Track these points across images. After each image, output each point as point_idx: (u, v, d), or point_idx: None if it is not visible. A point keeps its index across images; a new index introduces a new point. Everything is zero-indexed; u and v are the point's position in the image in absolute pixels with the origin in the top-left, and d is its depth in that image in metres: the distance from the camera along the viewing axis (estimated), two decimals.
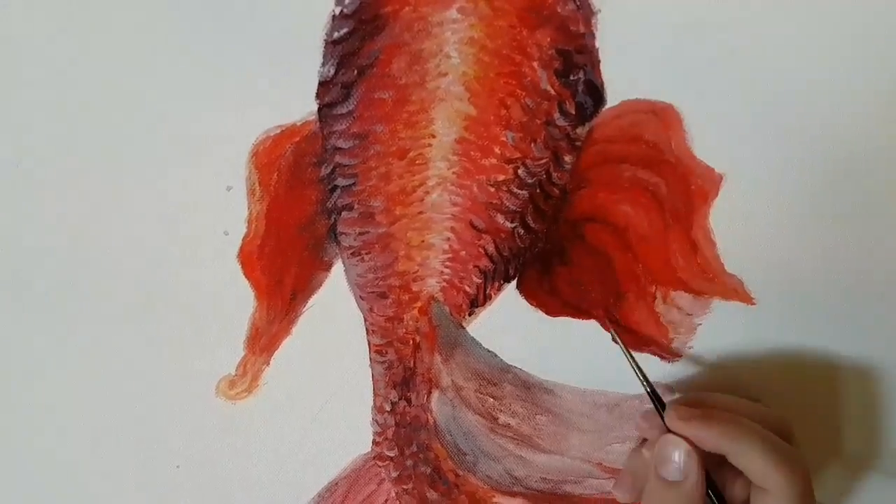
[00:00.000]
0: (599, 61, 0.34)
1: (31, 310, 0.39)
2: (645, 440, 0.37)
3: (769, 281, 0.37)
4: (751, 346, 0.39)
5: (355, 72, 0.35)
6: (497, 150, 0.36)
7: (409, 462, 0.44)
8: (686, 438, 0.34)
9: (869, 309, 0.38)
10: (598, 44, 0.34)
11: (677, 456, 0.34)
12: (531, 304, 0.39)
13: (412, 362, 0.41)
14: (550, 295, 0.39)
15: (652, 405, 0.36)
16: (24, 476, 0.43)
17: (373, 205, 0.38)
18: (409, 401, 0.42)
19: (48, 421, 0.42)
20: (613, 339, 0.38)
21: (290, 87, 0.35)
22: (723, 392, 0.38)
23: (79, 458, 0.43)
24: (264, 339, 0.40)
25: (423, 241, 0.38)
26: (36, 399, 0.41)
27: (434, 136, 0.36)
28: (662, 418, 0.35)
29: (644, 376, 0.37)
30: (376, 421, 0.43)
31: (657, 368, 0.40)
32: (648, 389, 0.36)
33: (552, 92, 0.35)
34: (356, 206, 0.38)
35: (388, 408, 0.42)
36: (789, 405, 0.40)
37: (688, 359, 0.40)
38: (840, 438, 0.41)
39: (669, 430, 0.35)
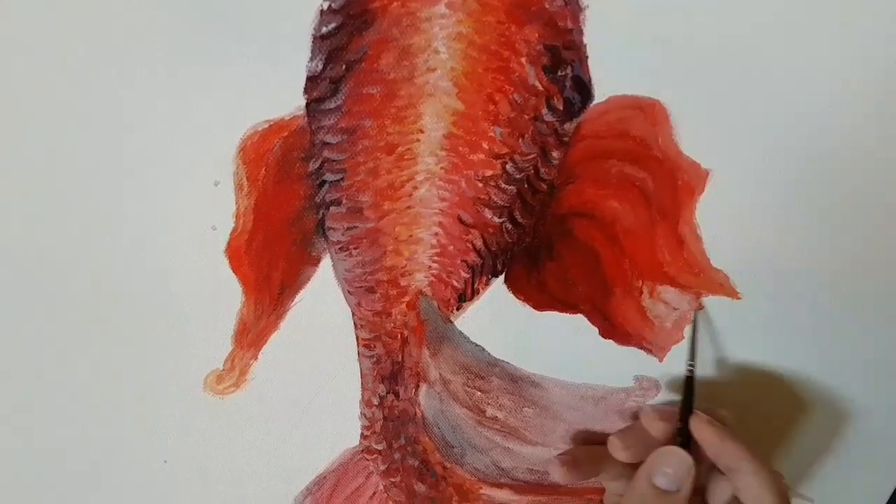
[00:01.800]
0: (587, 57, 0.34)
1: (17, 305, 0.39)
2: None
3: (755, 276, 0.38)
4: (736, 341, 0.40)
5: (343, 67, 0.35)
6: (485, 146, 0.36)
7: (397, 455, 0.44)
8: (692, 449, 0.36)
9: (854, 303, 0.39)
10: (585, 40, 0.34)
11: (677, 467, 0.36)
12: (519, 299, 0.40)
13: (400, 356, 0.41)
14: (538, 289, 0.39)
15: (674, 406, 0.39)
16: (11, 472, 0.43)
17: (361, 200, 0.38)
18: (397, 395, 0.42)
19: (35, 416, 0.41)
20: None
21: (277, 82, 0.35)
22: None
23: (66, 454, 0.42)
24: (252, 333, 0.40)
25: (411, 236, 0.38)
26: (23, 395, 0.41)
27: (422, 132, 0.36)
28: (684, 421, 0.37)
29: (691, 369, 0.39)
30: (364, 415, 0.43)
31: (644, 363, 0.40)
32: (685, 393, 0.38)
33: (540, 87, 0.35)
34: (344, 201, 0.38)
35: (376, 402, 0.42)
36: (774, 399, 0.41)
37: (673, 353, 0.40)
38: (828, 431, 0.42)
39: (681, 436, 0.37)
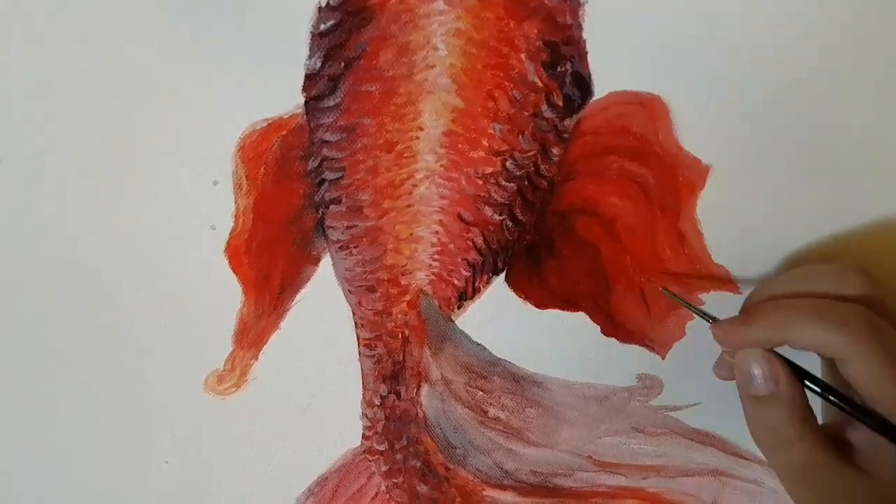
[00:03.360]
0: (587, 53, 0.34)
1: (18, 307, 0.39)
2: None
3: (756, 271, 0.38)
4: None
5: (342, 64, 0.35)
6: (485, 143, 0.36)
7: (398, 456, 0.43)
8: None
9: None
10: (585, 35, 0.34)
11: (756, 368, 0.32)
12: (520, 297, 0.39)
13: (401, 356, 0.41)
14: (539, 287, 0.39)
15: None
16: (12, 472, 0.43)
17: (361, 198, 0.38)
18: (398, 395, 0.42)
19: (36, 417, 0.41)
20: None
21: (276, 80, 0.35)
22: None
23: (66, 454, 0.42)
24: (252, 333, 0.40)
25: (411, 235, 0.38)
26: (24, 395, 0.41)
27: (422, 129, 0.36)
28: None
29: (689, 304, 0.36)
30: (366, 415, 0.42)
31: (646, 360, 0.40)
32: (702, 315, 0.35)
33: (539, 84, 0.35)
34: (344, 200, 0.38)
35: (377, 402, 0.42)
36: None
37: (676, 350, 0.40)
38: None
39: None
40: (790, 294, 0.32)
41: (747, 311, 0.33)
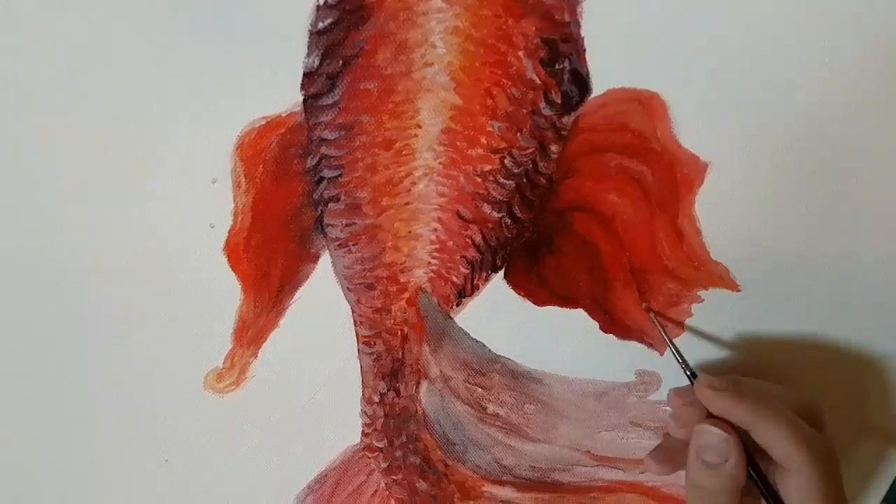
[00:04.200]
0: (585, 50, 0.34)
1: (14, 305, 0.39)
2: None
3: (754, 268, 0.38)
4: (736, 333, 0.40)
5: (340, 62, 0.34)
6: (483, 140, 0.36)
7: (398, 453, 0.44)
8: (718, 416, 0.35)
9: (852, 294, 0.39)
10: (583, 32, 0.34)
11: (717, 441, 0.35)
12: (519, 294, 0.39)
13: (400, 353, 0.41)
14: (538, 285, 0.39)
15: (683, 382, 0.37)
16: (12, 471, 0.43)
17: (359, 196, 0.38)
18: (397, 392, 0.42)
19: (36, 415, 0.41)
20: (648, 310, 0.39)
21: (274, 79, 0.35)
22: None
23: (67, 452, 0.42)
24: (252, 331, 0.40)
25: (410, 232, 0.38)
26: (22, 394, 0.41)
27: (420, 127, 0.36)
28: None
29: (677, 350, 0.37)
30: (365, 412, 0.43)
31: (645, 357, 0.40)
32: (682, 363, 0.37)
33: (538, 81, 0.35)
34: (343, 198, 0.38)
35: (376, 399, 0.42)
36: None
37: (674, 346, 0.40)
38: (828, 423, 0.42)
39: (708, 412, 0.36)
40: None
41: (736, 387, 0.36)
